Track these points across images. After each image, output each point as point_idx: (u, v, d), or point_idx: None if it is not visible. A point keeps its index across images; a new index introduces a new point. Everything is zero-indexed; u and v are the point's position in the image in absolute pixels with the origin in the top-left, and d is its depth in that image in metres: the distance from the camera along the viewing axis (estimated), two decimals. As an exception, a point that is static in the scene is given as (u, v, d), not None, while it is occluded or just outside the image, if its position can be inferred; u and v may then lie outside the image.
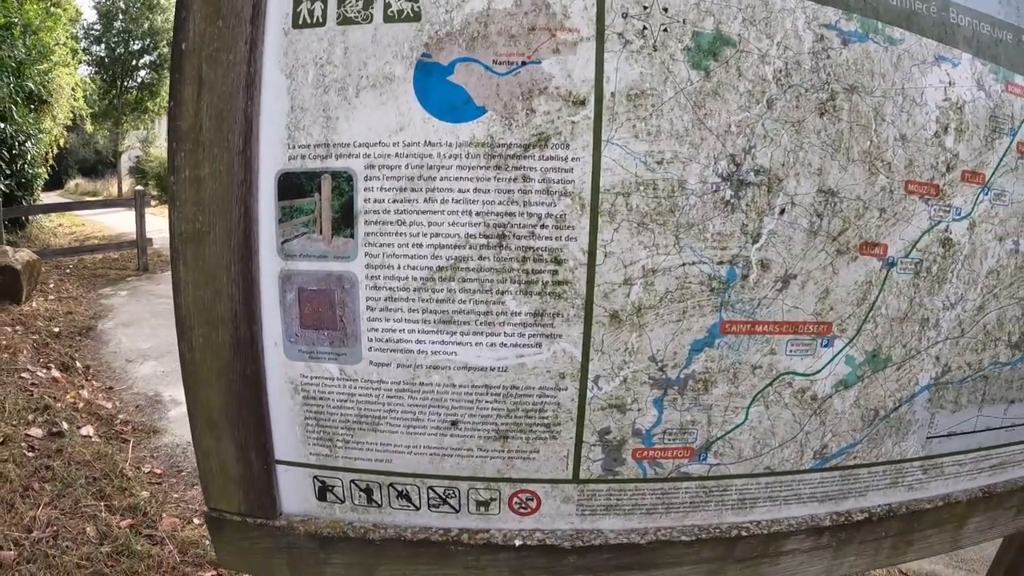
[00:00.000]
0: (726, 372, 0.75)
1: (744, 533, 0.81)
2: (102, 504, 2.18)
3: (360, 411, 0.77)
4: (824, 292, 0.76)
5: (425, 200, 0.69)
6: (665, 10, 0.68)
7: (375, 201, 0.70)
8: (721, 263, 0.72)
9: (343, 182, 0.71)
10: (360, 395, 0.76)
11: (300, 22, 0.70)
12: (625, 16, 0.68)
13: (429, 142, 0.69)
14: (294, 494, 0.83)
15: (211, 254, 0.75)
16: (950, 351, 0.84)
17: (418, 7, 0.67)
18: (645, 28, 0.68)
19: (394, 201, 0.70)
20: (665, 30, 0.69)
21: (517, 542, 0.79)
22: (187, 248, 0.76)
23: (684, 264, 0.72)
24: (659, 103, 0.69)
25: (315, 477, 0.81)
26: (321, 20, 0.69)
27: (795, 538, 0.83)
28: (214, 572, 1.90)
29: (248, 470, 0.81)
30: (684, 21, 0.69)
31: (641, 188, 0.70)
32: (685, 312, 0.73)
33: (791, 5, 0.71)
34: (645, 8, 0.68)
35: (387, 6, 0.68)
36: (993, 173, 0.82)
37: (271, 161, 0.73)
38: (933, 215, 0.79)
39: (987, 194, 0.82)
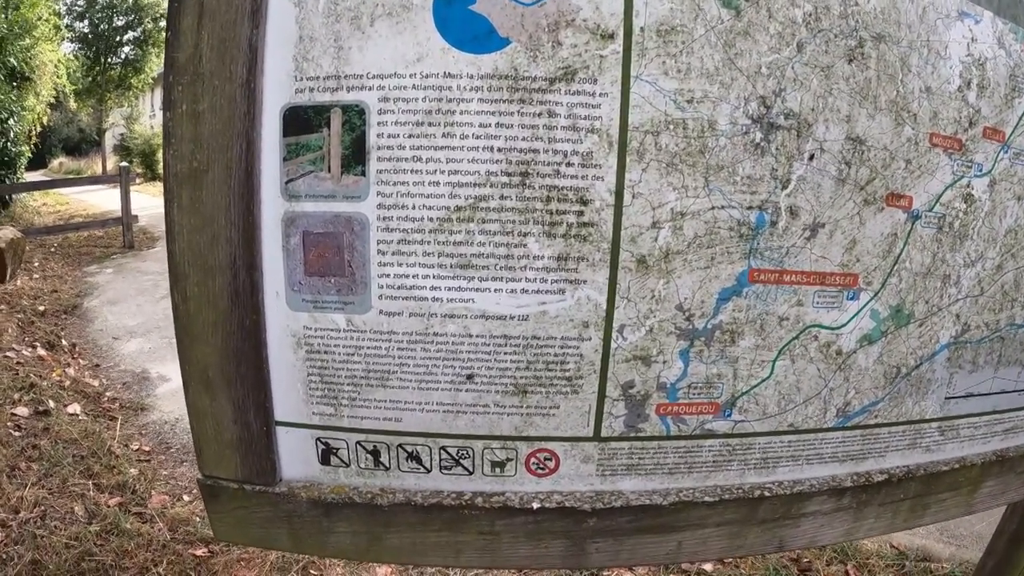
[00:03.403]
0: (753, 323, 0.73)
1: (767, 494, 0.78)
2: (90, 483, 2.10)
3: (368, 365, 0.72)
4: (851, 243, 0.74)
5: (443, 135, 0.65)
6: (697, -58, 0.66)
7: (389, 136, 0.66)
8: (750, 208, 0.70)
9: (354, 116, 0.66)
10: (368, 348, 0.72)
11: (310, -54, 0.65)
12: (656, -55, 0.65)
13: (449, 74, 0.65)
14: (295, 458, 0.77)
15: (209, 195, 0.70)
16: (970, 310, 0.83)
17: (439, -70, 0.64)
18: (676, -39, 0.66)
19: (410, 136, 0.66)
20: (696, -36, 0.66)
21: (535, 505, 0.75)
22: (183, 190, 0.70)
23: (713, 208, 0.69)
24: (689, 40, 0.66)
25: (318, 439, 0.76)
26: (333, -57, 0.65)
27: (817, 499, 0.81)
28: (205, 549, 1.82)
29: (246, 432, 0.76)
30: (715, -44, 0.66)
31: (671, 127, 0.67)
32: (713, 258, 0.70)
33: (822, -55, 0.69)
34: (677, -62, 0.65)
35: (405, -72, 0.64)
36: (1012, 132, 0.81)
37: (276, 95, 0.68)
38: (956, 170, 0.78)
39: (1007, 152, 0.81)
